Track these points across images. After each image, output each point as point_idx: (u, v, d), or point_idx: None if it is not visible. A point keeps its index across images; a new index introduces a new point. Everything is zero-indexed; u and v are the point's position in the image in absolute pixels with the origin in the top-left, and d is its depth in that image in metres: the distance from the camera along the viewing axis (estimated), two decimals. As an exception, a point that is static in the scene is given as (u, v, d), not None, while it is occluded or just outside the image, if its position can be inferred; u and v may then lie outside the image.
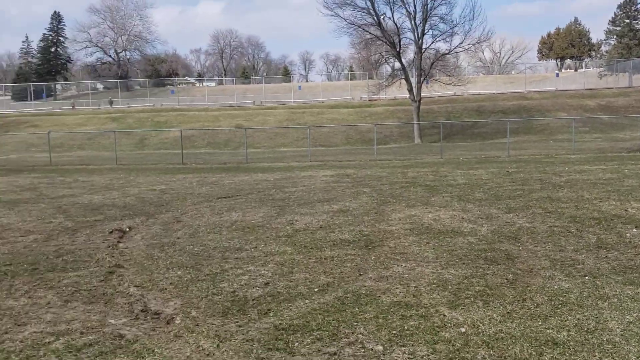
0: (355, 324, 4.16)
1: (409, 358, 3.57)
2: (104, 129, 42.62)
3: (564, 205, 8.98)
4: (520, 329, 4.02)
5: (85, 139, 39.94)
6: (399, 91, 42.87)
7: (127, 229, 8.27)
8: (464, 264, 5.83)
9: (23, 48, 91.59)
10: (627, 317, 4.21)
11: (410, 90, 37.50)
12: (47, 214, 9.78)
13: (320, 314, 4.38)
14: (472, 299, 4.69)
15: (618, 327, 4.01)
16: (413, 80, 38.20)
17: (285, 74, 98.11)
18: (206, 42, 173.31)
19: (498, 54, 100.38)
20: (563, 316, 4.25)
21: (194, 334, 4.02)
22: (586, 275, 5.29)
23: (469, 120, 40.52)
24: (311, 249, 6.64)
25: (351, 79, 71.79)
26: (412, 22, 36.61)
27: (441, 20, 36.72)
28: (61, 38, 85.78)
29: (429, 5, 35.90)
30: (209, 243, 7.17)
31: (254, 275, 5.58)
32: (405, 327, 4.07)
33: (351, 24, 37.34)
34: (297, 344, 3.81)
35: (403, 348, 3.72)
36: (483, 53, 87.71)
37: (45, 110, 57.88)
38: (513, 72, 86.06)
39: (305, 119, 44.09)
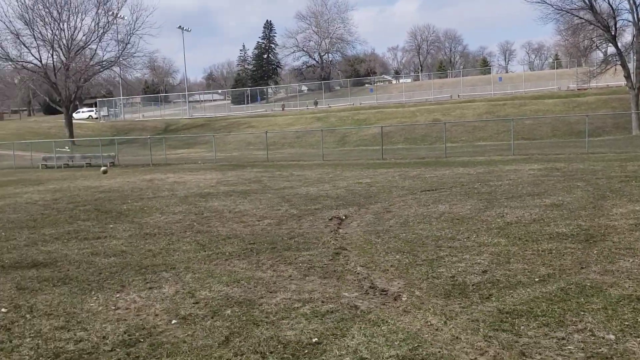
0: (582, 313, 4.14)
1: (645, 349, 3.49)
2: (309, 128, 45.79)
3: None
4: None
5: (294, 138, 43.31)
6: (613, 78, 38.82)
7: (344, 217, 9.02)
8: None
9: (240, 56, 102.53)
10: None
11: (628, 77, 33.73)
12: (274, 202, 11.06)
13: (543, 302, 4.43)
14: None
15: None
16: (631, 66, 34.28)
17: (484, 65, 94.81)
18: (403, 39, 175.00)
19: None
20: None
21: (421, 311, 4.39)
22: None
23: None
24: (526, 242, 6.60)
25: (557, 68, 66.72)
26: (631, 1, 32.87)
27: (669, -4, 32.38)
28: (272, 45, 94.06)
29: (653, -20, 31.94)
30: (421, 232, 7.52)
31: (470, 263, 5.77)
32: (639, 320, 3.94)
33: (558, 9, 34.89)
34: (522, 327, 3.95)
35: (638, 339, 3.63)
36: None
37: (259, 112, 64.03)
38: None
39: (505, 111, 42.27)
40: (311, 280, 5.40)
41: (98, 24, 48.33)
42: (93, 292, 5.22)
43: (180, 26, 68.53)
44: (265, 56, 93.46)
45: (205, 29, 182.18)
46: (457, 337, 3.82)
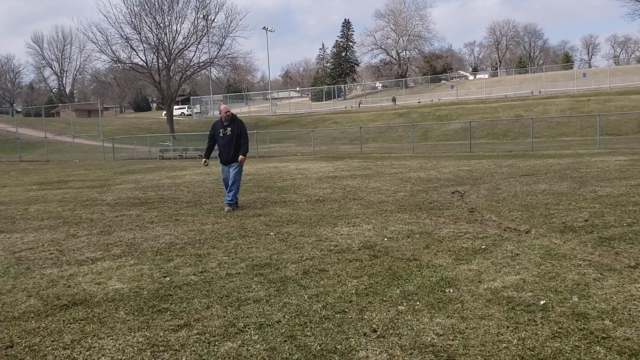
0: (657, 238, 6.37)
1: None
2: (392, 123, 48.01)
3: None
4: None
5: (377, 133, 45.73)
6: None
7: (463, 192, 11.39)
8: None
9: (319, 54, 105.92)
10: None
11: None
12: (396, 182, 13.56)
13: (630, 234, 6.68)
14: None
15: None
16: None
17: (566, 61, 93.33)
18: (481, 34, 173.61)
19: None
20: None
21: (546, 238, 6.74)
22: None
23: None
24: (616, 206, 8.74)
25: (644, 62, 65.17)
26: None
27: None
28: (350, 43, 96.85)
29: None
30: (530, 201, 9.77)
31: (575, 216, 8.03)
32: (696, 241, 6.12)
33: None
34: (616, 244, 6.21)
35: (693, 248, 5.84)
36: None
37: (339, 108, 66.81)
38: None
39: (589, 107, 42.82)
40: (461, 225, 7.85)
41: (197, 27, 52.70)
42: (317, 227, 7.91)
43: (264, 27, 72.55)
44: (343, 54, 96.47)
45: (284, 28, 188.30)
46: (574, 248, 6.16)
